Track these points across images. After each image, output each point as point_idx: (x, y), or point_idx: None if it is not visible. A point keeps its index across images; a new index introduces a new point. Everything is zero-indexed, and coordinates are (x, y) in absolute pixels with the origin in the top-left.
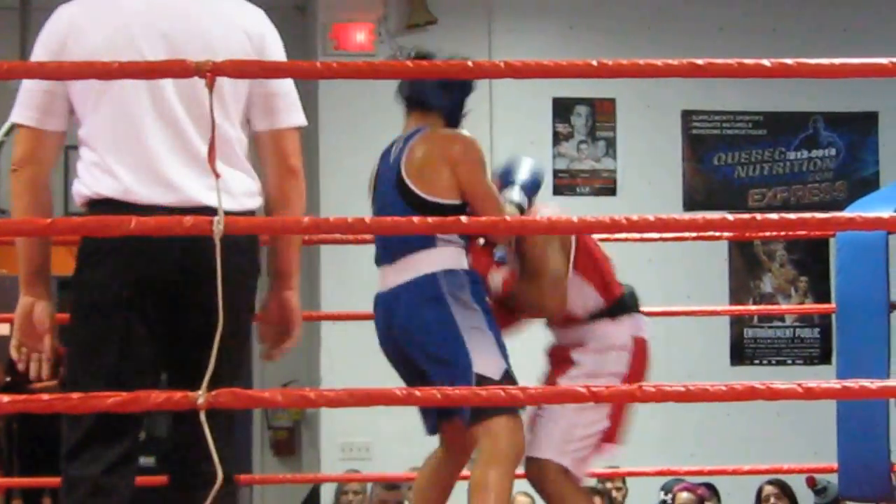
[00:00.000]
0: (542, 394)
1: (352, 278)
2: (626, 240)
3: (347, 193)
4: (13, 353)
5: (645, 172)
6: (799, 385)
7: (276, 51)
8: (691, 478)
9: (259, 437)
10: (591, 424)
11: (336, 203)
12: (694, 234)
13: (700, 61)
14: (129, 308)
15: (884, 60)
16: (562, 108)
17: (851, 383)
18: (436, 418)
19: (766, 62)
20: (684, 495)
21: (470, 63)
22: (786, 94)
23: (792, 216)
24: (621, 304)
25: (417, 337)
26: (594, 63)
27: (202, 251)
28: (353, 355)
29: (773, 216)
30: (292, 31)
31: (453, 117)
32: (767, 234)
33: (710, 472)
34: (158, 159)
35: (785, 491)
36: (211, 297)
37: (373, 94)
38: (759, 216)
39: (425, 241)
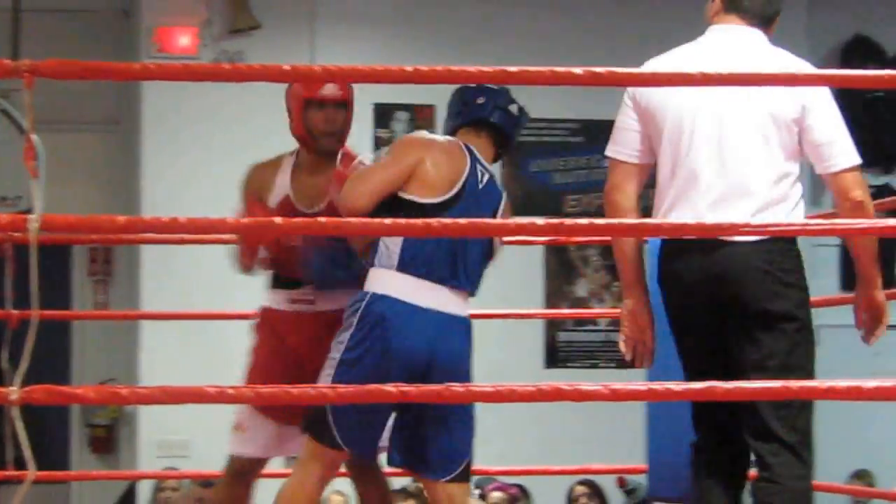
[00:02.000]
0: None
1: (171, 278)
2: None
3: (170, 194)
4: (623, 346)
5: None
6: (605, 386)
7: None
8: (503, 477)
9: (77, 434)
10: None
11: (159, 203)
12: (508, 239)
13: (512, 68)
14: None
15: (693, 71)
16: (382, 114)
17: (657, 385)
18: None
19: (577, 70)
20: (496, 494)
21: (287, 67)
22: (602, 103)
23: (600, 221)
24: None
25: (463, 378)
26: (409, 69)
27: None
28: (172, 354)
29: (583, 221)
30: (117, 35)
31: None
32: (578, 238)
33: (521, 472)
34: None
35: (595, 491)
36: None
37: (196, 97)
38: (567, 221)
39: (475, 286)
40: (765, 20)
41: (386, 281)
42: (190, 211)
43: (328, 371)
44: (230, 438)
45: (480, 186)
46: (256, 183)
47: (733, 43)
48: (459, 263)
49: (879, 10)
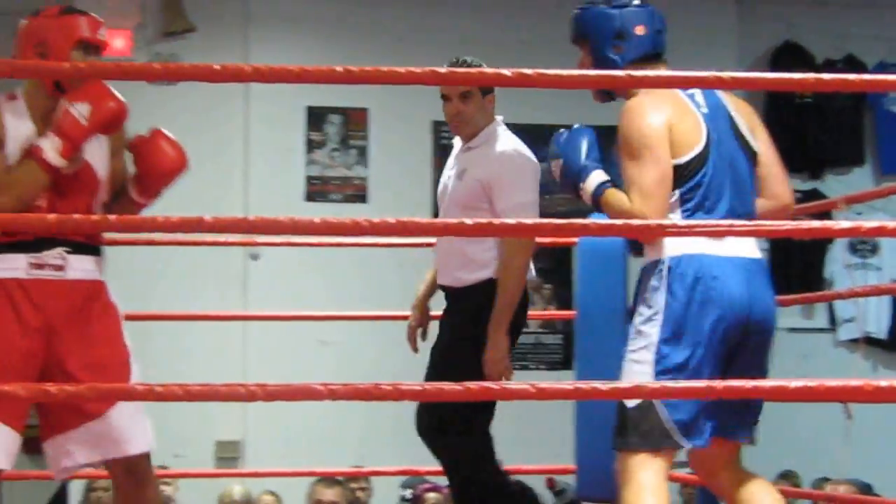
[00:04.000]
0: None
1: None
2: (374, 245)
3: None
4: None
5: (395, 181)
6: (532, 385)
7: None
8: (433, 478)
9: None
10: None
11: None
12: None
13: (442, 69)
14: None
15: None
16: (315, 117)
17: (583, 384)
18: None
19: (506, 72)
20: (432, 495)
21: (217, 66)
22: (530, 107)
23: (528, 221)
24: None
25: (773, 336)
26: (340, 69)
27: None
28: None
29: (511, 221)
30: None
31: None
32: None
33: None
34: None
35: None
36: None
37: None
38: (495, 222)
39: (753, 210)
40: None
41: (682, 237)
42: None
43: (637, 365)
44: None
45: (708, 117)
46: None
47: None
48: (737, 188)
49: (809, 17)
